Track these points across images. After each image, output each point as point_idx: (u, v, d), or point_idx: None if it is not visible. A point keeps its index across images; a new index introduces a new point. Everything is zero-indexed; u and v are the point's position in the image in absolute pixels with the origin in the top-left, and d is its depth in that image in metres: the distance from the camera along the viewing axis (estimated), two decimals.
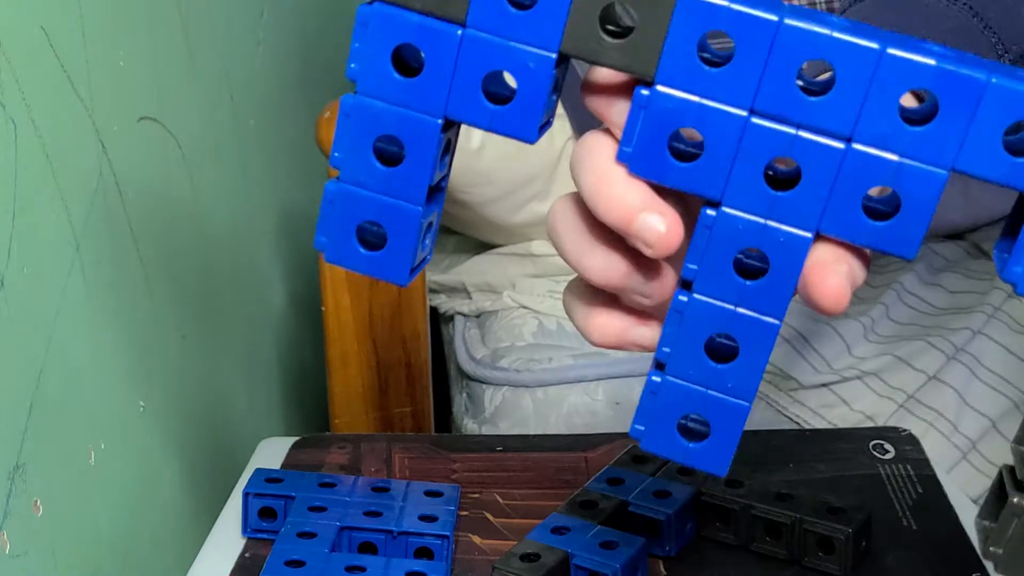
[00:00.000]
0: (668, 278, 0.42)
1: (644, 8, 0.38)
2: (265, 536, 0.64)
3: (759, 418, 0.93)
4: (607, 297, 0.43)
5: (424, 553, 0.61)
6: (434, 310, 1.10)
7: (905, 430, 0.73)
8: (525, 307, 1.03)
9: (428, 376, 0.97)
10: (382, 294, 0.92)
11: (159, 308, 0.75)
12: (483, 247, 1.09)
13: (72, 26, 0.63)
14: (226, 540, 0.65)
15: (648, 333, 0.43)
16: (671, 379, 0.41)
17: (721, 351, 0.41)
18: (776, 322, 0.40)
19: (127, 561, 0.69)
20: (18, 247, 0.56)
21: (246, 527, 0.64)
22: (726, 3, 0.38)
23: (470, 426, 1.00)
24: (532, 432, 0.94)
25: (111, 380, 0.68)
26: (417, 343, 0.94)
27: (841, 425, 0.91)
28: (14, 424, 0.56)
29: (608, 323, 0.43)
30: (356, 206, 0.41)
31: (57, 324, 0.61)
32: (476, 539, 0.64)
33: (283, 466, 0.70)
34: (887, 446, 0.72)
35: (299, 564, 0.58)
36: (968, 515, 0.66)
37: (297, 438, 0.74)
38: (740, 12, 0.38)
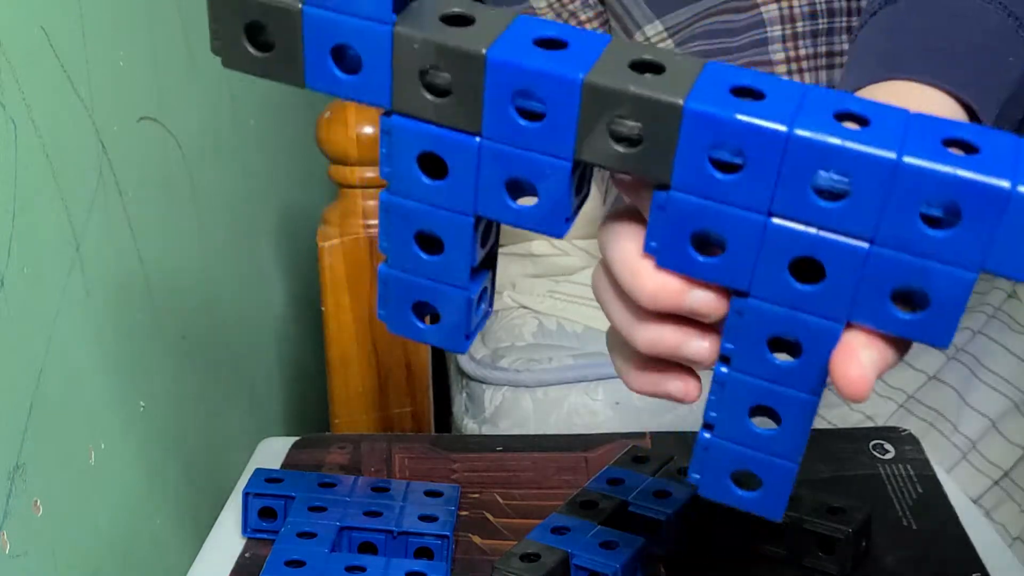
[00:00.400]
0: (717, 343, 0.42)
1: (650, 122, 0.38)
2: (265, 536, 0.64)
3: None
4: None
5: (424, 553, 0.61)
6: None
7: (905, 430, 0.73)
8: (525, 307, 1.02)
9: (428, 376, 0.97)
10: None
11: (159, 308, 0.75)
12: None
13: (72, 26, 0.63)
14: (226, 540, 0.65)
15: (682, 385, 0.44)
16: (719, 440, 0.42)
17: (765, 418, 0.41)
18: (814, 398, 0.40)
19: (127, 561, 0.69)
20: (18, 247, 0.56)
21: (246, 527, 0.64)
22: (732, 115, 0.37)
23: (470, 426, 1.00)
24: (532, 432, 0.94)
25: (111, 380, 0.68)
26: (417, 343, 0.94)
27: (841, 425, 0.91)
28: (14, 424, 0.56)
29: (645, 373, 0.45)
30: (407, 290, 0.43)
31: (57, 324, 0.61)
32: (476, 539, 0.64)
33: (283, 466, 0.70)
34: (887, 446, 0.72)
35: (299, 564, 0.58)
36: (968, 515, 0.66)
37: (297, 438, 0.74)
38: (748, 124, 0.37)
